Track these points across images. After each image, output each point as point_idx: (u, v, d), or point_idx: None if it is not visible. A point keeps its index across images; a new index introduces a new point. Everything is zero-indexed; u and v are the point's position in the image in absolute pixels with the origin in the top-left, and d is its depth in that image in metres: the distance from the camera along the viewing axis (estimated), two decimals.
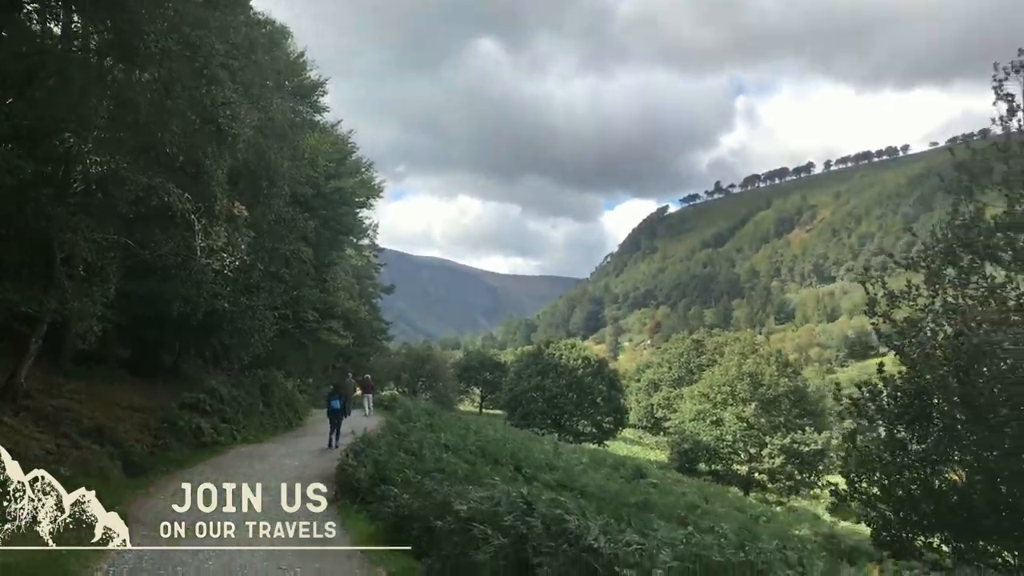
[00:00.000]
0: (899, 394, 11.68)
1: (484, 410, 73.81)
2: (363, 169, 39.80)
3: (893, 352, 11.92)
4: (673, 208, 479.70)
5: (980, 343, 9.70)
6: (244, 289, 23.85)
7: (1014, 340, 9.48)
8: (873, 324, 12.40)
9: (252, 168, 22.34)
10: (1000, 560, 11.37)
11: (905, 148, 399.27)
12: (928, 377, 10.91)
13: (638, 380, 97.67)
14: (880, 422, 12.23)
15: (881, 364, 12.92)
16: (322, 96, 35.71)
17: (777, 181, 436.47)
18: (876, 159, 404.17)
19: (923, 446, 11.47)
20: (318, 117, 36.25)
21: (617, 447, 63.52)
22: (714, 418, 55.48)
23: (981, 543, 11.41)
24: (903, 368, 11.82)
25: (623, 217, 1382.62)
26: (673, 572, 6.90)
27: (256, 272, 24.06)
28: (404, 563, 10.62)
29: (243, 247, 20.50)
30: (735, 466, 55.04)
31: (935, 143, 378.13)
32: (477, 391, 78.48)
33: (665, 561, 7.17)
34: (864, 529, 37.28)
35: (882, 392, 11.96)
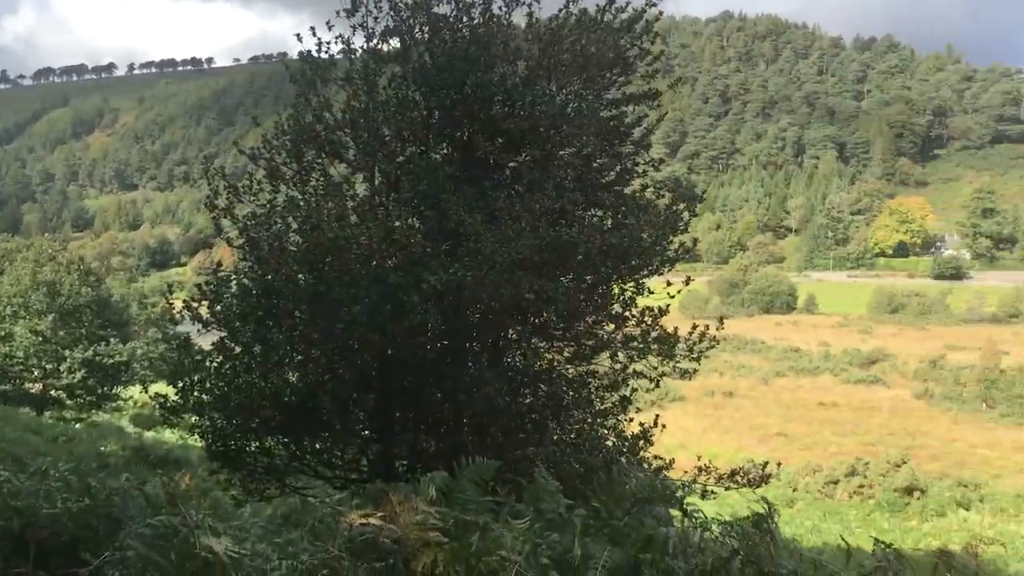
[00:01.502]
0: (243, 294, 10.87)
1: None
2: None
3: (239, 249, 11.05)
4: None
5: (335, 237, 9.32)
6: None
7: (368, 236, 9.31)
8: (214, 218, 11.30)
9: None
10: (327, 457, 11.51)
11: (210, 61, 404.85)
12: (277, 274, 10.28)
13: None
14: (217, 326, 11.28)
15: (219, 263, 11.93)
16: None
17: (75, 78, 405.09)
18: (181, 68, 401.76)
19: (265, 347, 10.87)
20: None
21: None
22: (2, 333, 49.10)
23: (308, 441, 11.38)
24: (247, 266, 11.04)
25: None
26: None
27: None
28: None
29: None
30: (27, 384, 49.87)
31: (237, 59, 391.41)
32: None
33: None
34: (170, 437, 36.97)
35: (224, 294, 11.01)
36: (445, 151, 11.24)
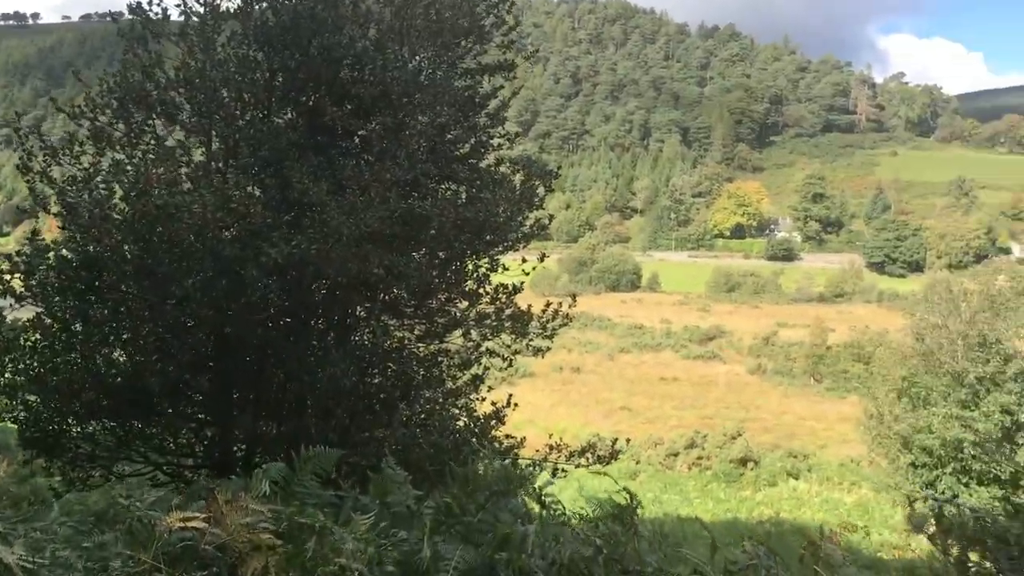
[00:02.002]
0: (61, 266, 9.83)
1: None
2: None
3: (57, 217, 9.99)
4: None
5: (164, 205, 8.52)
6: None
7: (202, 204, 8.56)
8: (28, 182, 10.18)
9: None
10: (158, 442, 10.76)
11: (35, 16, 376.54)
12: (99, 244, 9.34)
13: None
14: (33, 301, 10.20)
15: (35, 231, 10.82)
16: None
17: None
18: (2, 23, 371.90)
19: (87, 324, 9.92)
20: None
21: None
22: None
23: (137, 425, 10.57)
24: (69, 235, 10.00)
25: None
26: None
27: None
28: None
29: None
30: None
31: (67, 16, 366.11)
32: None
33: None
34: None
35: (40, 265, 9.93)
36: (289, 116, 10.56)
